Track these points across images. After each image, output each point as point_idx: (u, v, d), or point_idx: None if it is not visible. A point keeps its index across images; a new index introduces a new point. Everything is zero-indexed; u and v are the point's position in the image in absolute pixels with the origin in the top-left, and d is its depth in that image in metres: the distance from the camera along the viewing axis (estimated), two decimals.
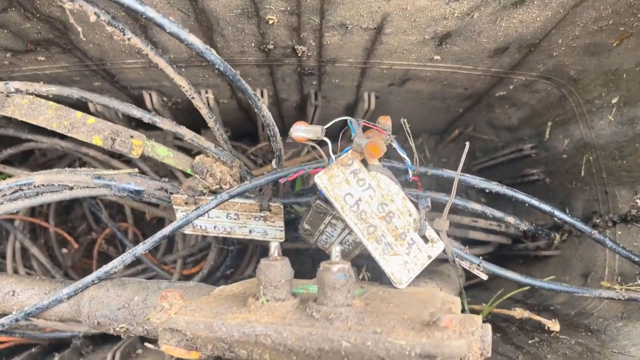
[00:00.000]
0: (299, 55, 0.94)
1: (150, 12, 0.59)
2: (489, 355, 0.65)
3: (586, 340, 0.86)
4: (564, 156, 1.10)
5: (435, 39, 0.88)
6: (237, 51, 0.92)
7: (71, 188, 0.82)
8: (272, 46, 0.90)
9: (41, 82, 0.78)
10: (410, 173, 0.82)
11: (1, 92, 0.78)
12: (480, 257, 0.82)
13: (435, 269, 0.89)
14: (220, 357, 0.63)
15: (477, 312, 1.06)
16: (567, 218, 0.82)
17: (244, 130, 1.50)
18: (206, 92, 1.13)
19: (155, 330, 0.77)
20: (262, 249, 1.35)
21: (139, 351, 1.18)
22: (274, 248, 0.62)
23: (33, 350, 1.22)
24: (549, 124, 1.12)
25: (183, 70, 1.00)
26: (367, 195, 0.74)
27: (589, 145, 1.01)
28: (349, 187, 0.73)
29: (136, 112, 0.80)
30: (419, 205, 0.76)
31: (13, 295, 0.84)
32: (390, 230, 0.74)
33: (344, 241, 0.86)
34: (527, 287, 0.89)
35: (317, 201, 0.80)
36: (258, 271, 0.61)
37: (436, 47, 0.91)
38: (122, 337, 0.82)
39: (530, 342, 0.91)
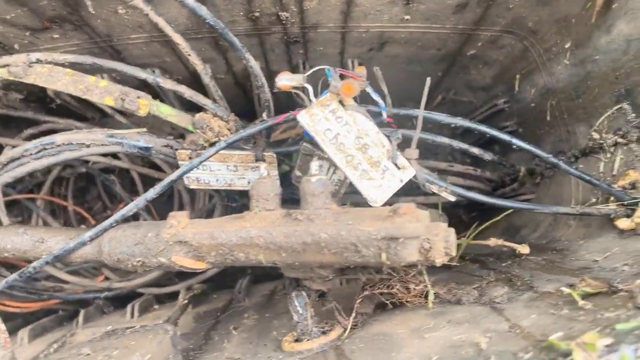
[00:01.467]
0: (283, 22, 1.05)
1: None
2: (453, 253, 0.75)
3: (551, 256, 0.96)
4: (532, 105, 1.21)
5: None
6: (228, 20, 1.04)
7: (88, 146, 0.94)
8: (258, 14, 1.02)
9: (59, 52, 0.90)
10: (385, 114, 0.92)
11: (24, 63, 0.90)
12: (448, 182, 0.91)
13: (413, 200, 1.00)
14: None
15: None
16: (525, 145, 0.92)
17: (241, 109, 1.61)
18: (205, 67, 1.25)
19: (167, 263, 0.88)
20: None
21: (156, 306, 1.30)
22: (264, 168, 0.74)
23: (60, 312, 1.34)
24: (517, 77, 1.23)
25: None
26: (345, 130, 0.85)
27: (551, 91, 1.11)
28: (328, 124, 0.84)
29: (142, 74, 0.92)
30: (390, 138, 0.87)
31: (42, 242, 0.96)
32: (366, 159, 0.85)
33: (332, 181, 0.97)
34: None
35: (304, 144, 0.92)
36: (251, 189, 0.72)
37: (405, 7, 1.02)
38: (138, 271, 0.92)
39: (503, 264, 1.02)
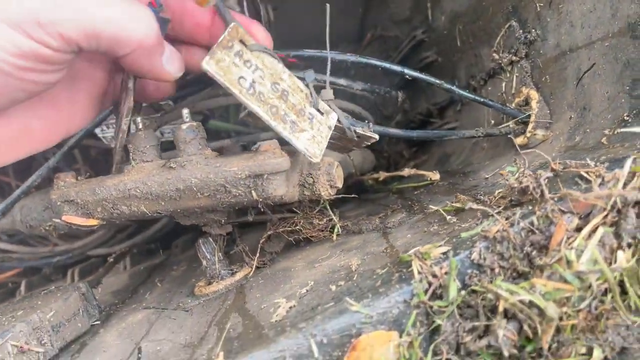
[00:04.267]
0: None
1: None
2: (339, 185, 0.77)
3: (456, 179, 0.99)
4: (445, 32, 1.20)
5: None
6: None
7: None
8: None
9: None
10: (284, 55, 0.89)
11: None
12: (369, 122, 0.89)
13: None
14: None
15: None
16: (418, 74, 0.92)
17: None
18: None
19: (61, 223, 0.88)
20: None
21: (100, 270, 1.33)
22: (139, 121, 0.74)
23: (9, 285, 1.37)
24: (429, 5, 1.22)
25: None
26: (258, 76, 0.74)
27: (457, 15, 1.11)
28: (239, 70, 0.72)
29: None
30: (306, 80, 0.82)
31: None
32: (290, 108, 0.76)
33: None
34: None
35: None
36: (128, 142, 0.73)
37: None
38: (52, 234, 0.95)
39: (415, 193, 1.04)
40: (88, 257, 1.37)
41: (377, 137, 0.91)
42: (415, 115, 1.41)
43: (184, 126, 0.70)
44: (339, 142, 0.86)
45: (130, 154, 0.73)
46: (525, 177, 0.57)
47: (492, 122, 1.09)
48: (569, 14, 0.77)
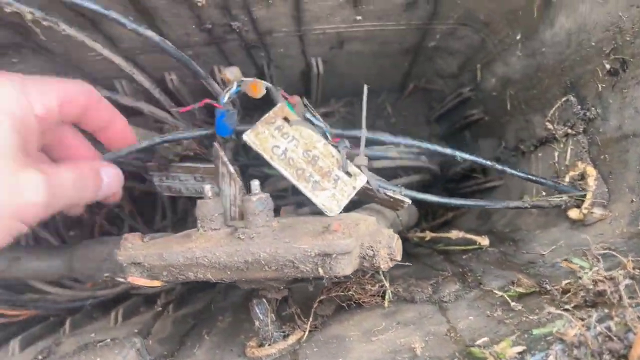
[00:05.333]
0: (237, 30, 1.06)
1: (114, 15, 0.74)
2: (399, 258, 0.78)
3: (507, 248, 0.99)
4: (494, 94, 1.22)
5: (350, 1, 1.00)
6: (183, 33, 1.06)
7: None
8: (210, 26, 1.03)
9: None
10: (329, 136, 0.92)
11: None
12: (400, 185, 0.92)
13: (367, 206, 1.01)
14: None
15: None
16: (467, 156, 0.93)
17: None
18: (169, 75, 1.27)
19: (126, 281, 0.90)
20: None
21: (142, 309, 1.35)
22: (207, 189, 0.76)
23: (51, 319, 1.39)
24: (478, 66, 1.23)
25: (142, 57, 1.13)
26: (292, 145, 0.86)
27: (509, 81, 1.12)
28: (275, 140, 0.85)
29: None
30: (339, 148, 0.88)
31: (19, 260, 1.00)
32: (317, 171, 0.86)
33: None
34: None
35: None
36: (196, 209, 0.75)
37: (354, 8, 1.03)
38: (109, 285, 0.97)
39: (463, 257, 1.04)
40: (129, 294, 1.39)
41: (408, 200, 0.93)
42: (456, 171, 1.41)
43: (253, 198, 0.72)
44: (385, 202, 0.91)
45: (198, 221, 0.75)
46: (600, 278, 0.57)
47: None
48: (634, 100, 0.78)
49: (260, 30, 1.09)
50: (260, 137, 0.85)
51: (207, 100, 0.89)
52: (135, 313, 1.31)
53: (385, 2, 1.02)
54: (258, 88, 0.85)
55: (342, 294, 0.89)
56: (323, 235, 0.67)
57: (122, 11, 0.92)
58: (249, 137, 0.85)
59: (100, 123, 0.82)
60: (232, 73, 0.90)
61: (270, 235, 0.71)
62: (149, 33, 0.82)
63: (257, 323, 0.87)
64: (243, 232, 0.72)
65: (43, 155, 0.81)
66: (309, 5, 1.00)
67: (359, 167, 0.90)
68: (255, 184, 0.74)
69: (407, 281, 0.95)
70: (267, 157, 0.86)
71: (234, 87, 0.90)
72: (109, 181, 0.80)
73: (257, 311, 0.86)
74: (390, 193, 0.93)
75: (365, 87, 0.89)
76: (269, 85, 0.89)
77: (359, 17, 1.07)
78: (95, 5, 0.79)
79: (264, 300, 0.87)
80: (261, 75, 1.39)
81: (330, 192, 0.86)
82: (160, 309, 1.17)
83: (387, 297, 0.90)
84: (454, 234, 1.07)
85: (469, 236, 1.05)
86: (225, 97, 0.90)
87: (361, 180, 0.89)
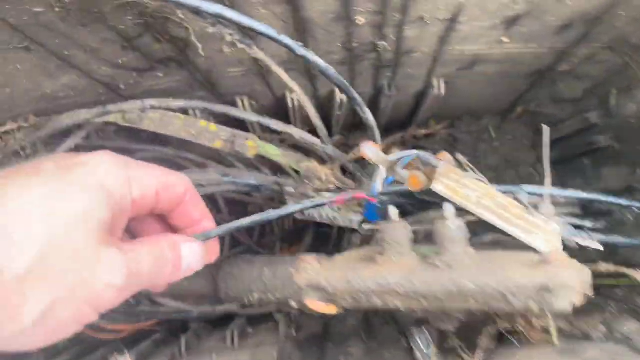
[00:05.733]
0: (379, 50, 1.04)
1: (287, 40, 0.73)
2: (591, 294, 0.73)
3: None
4: (632, 121, 1.17)
5: (505, 23, 0.97)
6: (325, 52, 1.04)
7: (203, 186, 0.96)
8: (356, 44, 1.01)
9: (170, 98, 0.92)
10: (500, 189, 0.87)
11: (139, 109, 0.93)
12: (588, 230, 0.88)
13: None
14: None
15: None
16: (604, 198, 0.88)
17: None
18: (291, 93, 1.26)
19: (296, 305, 0.85)
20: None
21: (250, 330, 1.32)
22: (393, 213, 0.73)
23: (158, 335, 1.37)
24: (614, 91, 1.19)
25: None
26: (479, 194, 0.79)
27: None
28: (463, 190, 0.79)
29: (252, 117, 0.93)
30: (520, 198, 0.82)
31: None
32: (515, 216, 0.78)
33: None
34: None
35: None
36: (382, 233, 0.72)
37: (505, 30, 1.00)
38: (253, 305, 0.94)
39: (620, 293, 0.99)
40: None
41: (601, 248, 0.88)
42: None
43: (452, 225, 0.68)
44: None
45: (385, 244, 0.72)
46: None
47: None
48: None
49: (401, 50, 1.07)
50: (449, 187, 0.77)
51: (361, 196, 0.81)
52: (245, 334, 1.28)
53: (540, 25, 0.98)
54: (419, 182, 0.77)
55: (508, 326, 0.85)
56: (541, 267, 0.63)
57: (282, 26, 0.92)
58: (438, 187, 0.77)
59: (189, 221, 0.74)
60: (372, 152, 0.81)
61: (471, 264, 0.67)
62: (318, 60, 0.81)
63: (418, 355, 0.83)
64: (439, 260, 0.68)
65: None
66: (462, 26, 0.97)
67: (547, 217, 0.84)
68: (451, 210, 0.70)
69: (568, 317, 0.90)
70: (465, 204, 0.76)
71: (384, 174, 0.82)
72: (190, 261, 0.69)
73: (419, 342, 0.83)
74: (580, 241, 0.88)
75: (547, 130, 0.83)
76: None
77: (506, 39, 1.04)
78: (271, 31, 0.77)
79: (424, 328, 0.83)
80: (376, 94, 1.37)
81: (540, 235, 0.77)
82: (288, 329, 1.13)
83: (553, 331, 0.85)
84: (604, 266, 1.01)
85: (621, 269, 0.99)
86: (379, 186, 0.81)
87: (555, 229, 0.80)
